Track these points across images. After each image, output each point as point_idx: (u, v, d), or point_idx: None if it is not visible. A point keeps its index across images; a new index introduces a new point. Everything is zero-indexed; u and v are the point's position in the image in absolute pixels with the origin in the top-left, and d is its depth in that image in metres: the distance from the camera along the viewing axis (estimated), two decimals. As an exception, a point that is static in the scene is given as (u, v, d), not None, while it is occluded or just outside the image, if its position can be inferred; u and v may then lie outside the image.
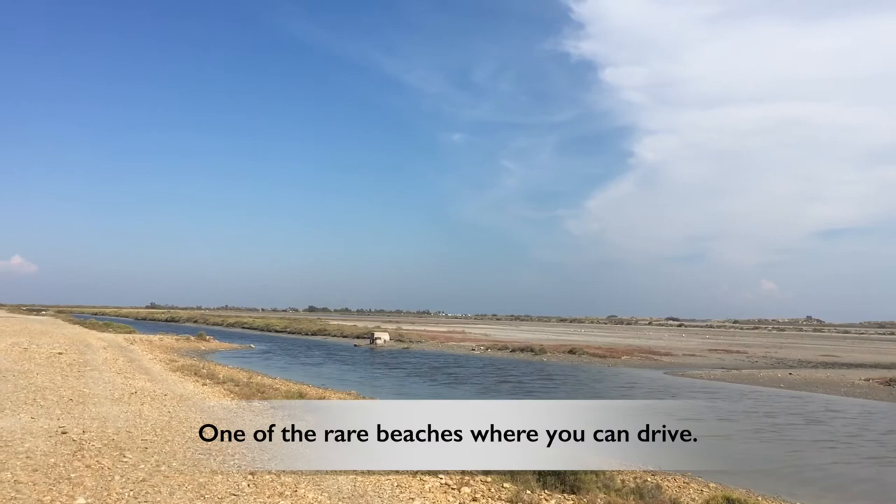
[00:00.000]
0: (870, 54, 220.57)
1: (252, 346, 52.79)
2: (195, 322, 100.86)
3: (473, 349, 51.71)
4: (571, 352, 46.22)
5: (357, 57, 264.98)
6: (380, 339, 57.94)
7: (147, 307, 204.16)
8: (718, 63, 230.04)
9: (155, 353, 40.02)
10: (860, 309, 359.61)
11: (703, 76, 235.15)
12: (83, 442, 9.64)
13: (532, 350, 47.76)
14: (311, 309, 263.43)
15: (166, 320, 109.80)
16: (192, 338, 51.55)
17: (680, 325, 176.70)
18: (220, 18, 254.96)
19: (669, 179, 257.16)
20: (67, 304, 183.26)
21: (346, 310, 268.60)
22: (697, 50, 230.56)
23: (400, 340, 58.89)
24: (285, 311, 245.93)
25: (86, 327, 64.01)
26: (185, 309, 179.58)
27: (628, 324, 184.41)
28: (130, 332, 57.29)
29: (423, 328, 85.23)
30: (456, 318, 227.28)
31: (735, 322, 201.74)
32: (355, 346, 57.81)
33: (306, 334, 74.80)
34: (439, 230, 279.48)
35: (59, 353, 28.40)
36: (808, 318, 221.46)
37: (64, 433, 10.17)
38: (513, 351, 48.79)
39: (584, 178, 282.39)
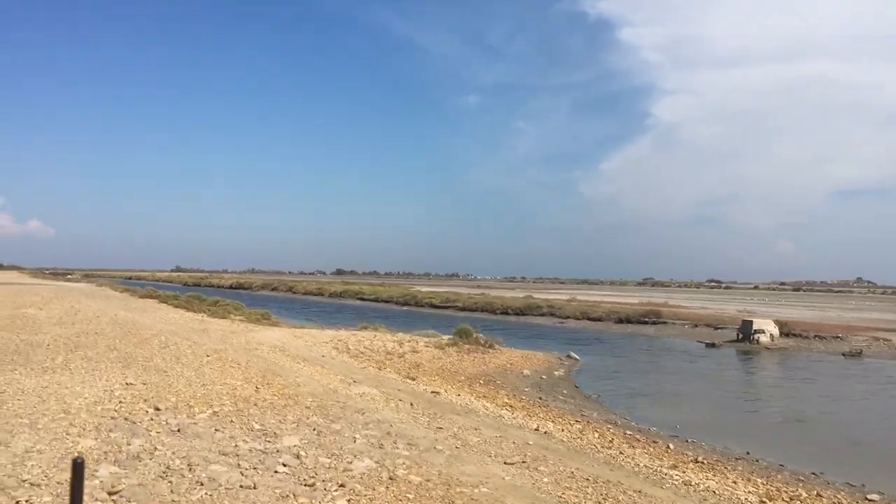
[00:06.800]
0: (891, 13, 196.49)
1: (574, 355, 24.68)
2: (274, 290, 72.14)
3: None
4: None
5: (370, 18, 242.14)
6: (763, 332, 30.07)
7: (173, 270, 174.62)
8: (737, 22, 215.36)
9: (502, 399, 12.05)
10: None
11: (722, 35, 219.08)
12: None
13: None
14: (339, 272, 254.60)
15: (231, 287, 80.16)
16: (446, 340, 23.25)
17: (797, 290, 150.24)
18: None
19: (686, 140, 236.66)
20: (88, 268, 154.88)
21: (375, 272, 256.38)
22: (716, 8, 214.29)
23: (795, 335, 30.98)
24: (312, 273, 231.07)
25: (174, 305, 35.24)
26: (221, 274, 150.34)
27: (726, 287, 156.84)
28: (263, 318, 29.16)
29: (607, 300, 55.76)
30: (497, 281, 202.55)
31: (782, 284, 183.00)
32: (708, 345, 30.15)
33: (505, 313, 46.68)
34: (454, 193, 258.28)
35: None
36: (859, 279, 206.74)
37: None
38: None
39: (600, 139, 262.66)
